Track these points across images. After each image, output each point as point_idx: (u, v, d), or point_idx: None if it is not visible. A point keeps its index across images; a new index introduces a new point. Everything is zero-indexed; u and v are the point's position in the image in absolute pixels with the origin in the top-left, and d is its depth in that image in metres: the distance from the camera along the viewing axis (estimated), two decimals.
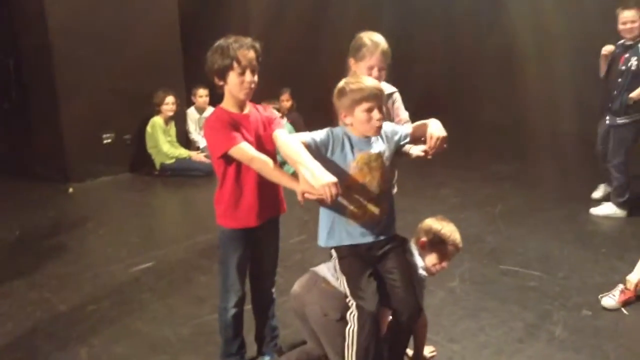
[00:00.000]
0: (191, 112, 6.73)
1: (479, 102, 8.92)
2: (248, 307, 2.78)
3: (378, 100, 2.35)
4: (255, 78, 2.42)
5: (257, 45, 2.43)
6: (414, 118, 2.87)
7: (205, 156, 6.34)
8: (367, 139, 2.40)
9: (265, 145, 2.49)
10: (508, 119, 8.39)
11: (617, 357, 2.92)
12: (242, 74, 2.37)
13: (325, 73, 6.70)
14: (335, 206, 2.35)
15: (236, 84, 2.39)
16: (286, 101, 6.91)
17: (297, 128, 6.02)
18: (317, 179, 2.15)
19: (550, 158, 6.91)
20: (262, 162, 2.36)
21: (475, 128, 8.32)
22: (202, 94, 6.65)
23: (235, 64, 2.35)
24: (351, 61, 2.87)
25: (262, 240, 2.65)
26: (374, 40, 2.80)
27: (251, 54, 2.39)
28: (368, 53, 2.78)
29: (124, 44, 5.98)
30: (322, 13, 7.77)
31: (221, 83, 2.43)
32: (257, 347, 2.87)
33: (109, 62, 5.90)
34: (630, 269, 3.76)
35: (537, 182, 5.93)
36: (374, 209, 2.41)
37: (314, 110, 5.98)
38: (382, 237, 2.46)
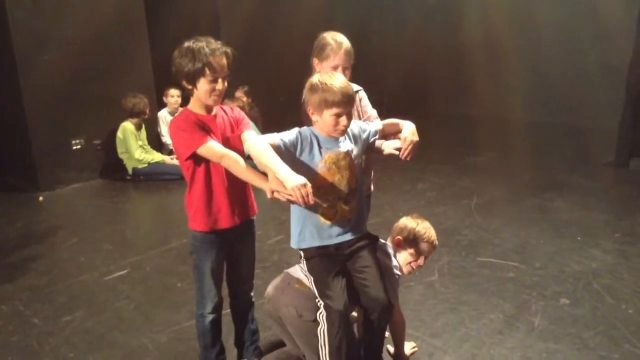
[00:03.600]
0: (163, 114, 6.62)
1: (450, 96, 8.99)
2: (227, 311, 2.73)
3: (348, 107, 2.31)
4: (226, 85, 2.37)
5: (229, 51, 2.36)
6: (388, 115, 2.86)
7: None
8: (335, 138, 2.38)
9: (234, 146, 2.43)
10: (480, 112, 8.46)
11: (595, 344, 2.94)
12: (214, 81, 2.31)
13: (283, 71, 6.71)
14: (306, 206, 2.32)
15: (206, 91, 2.32)
16: (243, 98, 6.59)
17: (257, 125, 5.92)
18: (287, 181, 2.12)
19: (523, 149, 6.98)
20: (232, 159, 2.31)
21: (448, 122, 8.37)
22: (173, 94, 6.55)
23: (207, 71, 2.27)
24: (315, 61, 2.84)
25: (237, 243, 2.60)
26: (337, 40, 2.79)
27: (223, 60, 2.32)
28: (332, 53, 2.76)
29: (90, 47, 5.85)
30: (290, 9, 7.71)
31: (189, 87, 2.36)
32: (237, 352, 2.82)
33: (75, 66, 5.78)
34: (605, 257, 3.83)
35: (511, 174, 5.98)
36: (344, 208, 2.39)
37: (269, 109, 5.96)
38: (352, 236, 2.44)
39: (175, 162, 6.17)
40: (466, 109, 8.68)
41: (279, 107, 5.94)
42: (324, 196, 2.35)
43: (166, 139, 6.64)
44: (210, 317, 2.57)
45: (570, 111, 7.54)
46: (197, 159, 2.37)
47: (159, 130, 6.63)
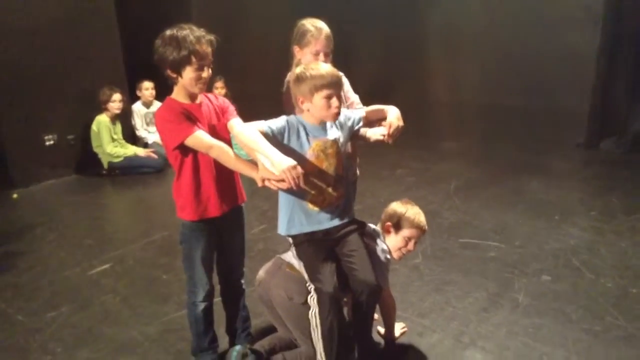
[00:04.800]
0: (137, 107, 6.53)
1: (424, 81, 9.05)
2: (217, 299, 2.74)
3: (337, 88, 2.35)
4: (210, 72, 2.36)
5: (214, 39, 2.35)
6: (364, 101, 2.89)
7: (153, 152, 6.20)
8: (322, 126, 2.39)
9: (220, 134, 2.42)
10: (452, 98, 8.54)
11: (578, 318, 3.03)
12: (200, 69, 2.29)
13: (266, 61, 6.69)
14: (295, 192, 2.34)
15: (192, 79, 2.30)
16: (220, 89, 6.62)
17: None
18: (277, 164, 2.14)
19: (496, 133, 7.08)
20: (220, 149, 2.31)
21: (423, 108, 8.43)
22: (147, 87, 6.46)
23: (193, 59, 2.26)
24: (296, 49, 2.85)
25: (226, 230, 2.59)
26: (316, 26, 2.80)
27: (208, 48, 2.31)
28: (312, 39, 2.78)
29: (58, 40, 5.71)
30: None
31: (174, 76, 2.33)
32: (228, 340, 2.83)
33: (45, 61, 5.64)
34: (582, 234, 3.94)
35: (487, 157, 6.09)
36: (332, 194, 2.42)
37: (259, 97, 5.94)
38: (340, 222, 2.47)
39: (151, 154, 6.13)
40: (439, 96, 8.75)
41: (254, 98, 5.92)
42: (313, 183, 2.37)
43: (141, 132, 6.56)
44: (202, 306, 2.57)
45: (540, 94, 7.64)
46: (185, 149, 2.35)
47: (132, 123, 6.54)
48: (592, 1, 6.45)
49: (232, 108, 2.52)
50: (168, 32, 2.30)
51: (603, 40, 5.93)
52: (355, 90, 2.99)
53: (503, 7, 8.03)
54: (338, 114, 2.37)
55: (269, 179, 2.19)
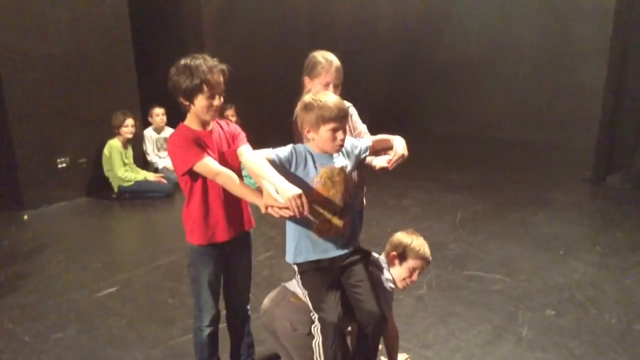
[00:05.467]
0: (149, 132, 6.64)
1: (431, 114, 9.16)
2: (223, 325, 2.76)
3: (344, 121, 2.40)
4: (222, 100, 2.43)
5: (226, 68, 2.43)
6: (371, 132, 2.96)
7: (163, 177, 6.28)
8: (329, 154, 2.44)
9: (229, 161, 2.49)
10: (460, 130, 8.63)
11: (581, 353, 3.03)
12: (211, 97, 2.37)
13: (276, 90, 6.80)
14: (300, 220, 2.38)
15: (204, 107, 2.38)
16: (231, 116, 6.60)
17: None
18: (282, 192, 2.19)
19: (503, 166, 7.13)
20: (227, 177, 2.37)
21: (428, 139, 8.52)
22: (158, 113, 6.58)
23: (205, 87, 2.34)
24: (306, 79, 2.93)
25: (233, 255, 2.64)
26: (327, 58, 2.89)
27: (220, 77, 2.39)
28: (323, 71, 2.86)
29: (75, 66, 5.86)
30: (274, 28, 7.83)
31: (187, 103, 2.42)
32: None
33: (60, 85, 5.78)
34: (587, 269, 3.94)
35: (493, 189, 6.11)
36: (338, 223, 2.44)
37: (269, 124, 6.03)
38: (346, 250, 2.49)
39: (161, 179, 6.22)
40: (446, 128, 8.85)
41: (265, 126, 6.01)
42: (319, 211, 2.40)
43: (151, 157, 6.65)
44: (207, 330, 2.61)
45: (547, 129, 7.74)
46: (194, 174, 2.42)
47: (144, 148, 6.64)
48: (600, 33, 6.56)
49: (242, 135, 2.59)
50: (182, 62, 2.39)
51: (610, 76, 5.98)
52: (362, 121, 3.06)
53: (509, 43, 8.18)
54: (341, 146, 2.42)
55: (272, 206, 2.22)
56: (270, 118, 5.93)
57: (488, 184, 6.34)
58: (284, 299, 2.64)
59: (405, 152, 2.63)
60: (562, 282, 3.86)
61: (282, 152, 2.40)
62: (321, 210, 2.41)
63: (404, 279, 2.72)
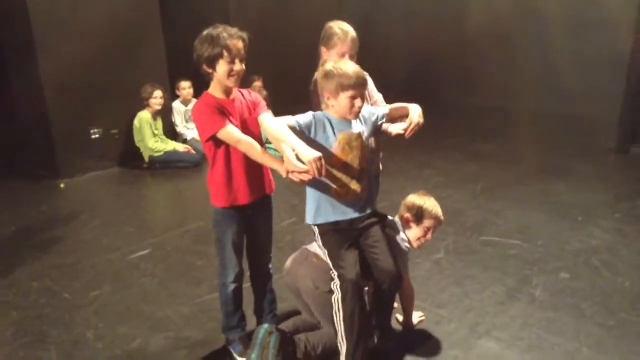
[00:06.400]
0: (177, 105, 6.83)
1: (455, 85, 9.14)
2: (247, 284, 2.94)
3: (362, 89, 2.51)
4: (243, 66, 2.56)
5: (245, 35, 2.55)
6: (394, 100, 3.05)
7: (191, 148, 6.49)
8: (347, 120, 2.55)
9: (251, 128, 2.62)
10: (485, 101, 8.61)
11: (592, 313, 3.13)
12: (232, 62, 2.49)
13: (294, 62, 6.90)
14: (320, 185, 2.51)
15: (225, 72, 2.51)
16: (259, 88, 6.82)
17: None
18: (303, 155, 2.31)
19: (527, 137, 7.14)
20: (248, 144, 2.50)
21: (453, 111, 8.53)
22: (185, 86, 6.77)
23: (225, 53, 2.47)
24: (322, 49, 3.03)
25: (255, 217, 2.79)
26: (343, 28, 2.97)
27: (240, 43, 2.51)
28: (339, 41, 2.95)
29: (106, 39, 6.04)
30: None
31: (210, 71, 2.54)
32: (256, 320, 3.03)
33: (93, 58, 5.97)
34: (604, 235, 4.01)
35: (515, 160, 6.15)
36: (356, 186, 2.56)
37: (294, 95, 6.15)
38: (363, 213, 2.62)
39: (190, 149, 6.42)
40: (471, 99, 8.83)
41: (291, 96, 6.13)
42: (337, 175, 2.53)
43: (180, 128, 6.85)
44: (232, 286, 2.78)
45: (573, 100, 7.68)
46: (218, 141, 2.55)
47: (173, 120, 6.84)
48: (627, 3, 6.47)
49: (263, 103, 2.71)
50: (204, 32, 2.53)
51: (635, 46, 5.92)
52: (386, 91, 3.15)
53: (534, 13, 8.09)
54: (359, 112, 2.53)
55: (292, 171, 2.35)
56: (296, 89, 6.03)
57: (511, 154, 6.38)
58: (306, 259, 2.79)
59: (421, 120, 2.71)
60: (578, 248, 3.94)
61: (302, 118, 2.52)
62: (339, 175, 2.53)
63: (419, 238, 2.86)
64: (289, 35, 7.64)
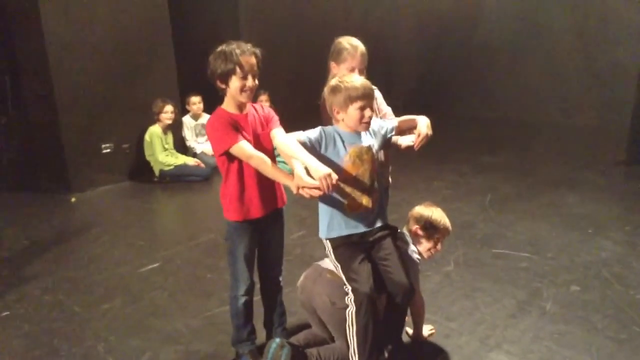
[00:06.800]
0: (187, 119, 6.89)
1: (464, 97, 9.16)
2: (257, 297, 2.95)
3: (370, 99, 2.53)
4: (256, 82, 2.59)
5: (258, 51, 2.59)
6: (404, 113, 3.07)
7: (201, 162, 6.53)
8: (357, 133, 2.57)
9: (263, 143, 2.66)
10: (493, 113, 8.62)
11: (604, 326, 3.11)
12: (244, 78, 2.53)
13: (303, 77, 6.97)
14: (331, 199, 2.53)
15: (238, 88, 2.55)
16: (265, 102, 6.76)
17: None
18: (314, 171, 2.33)
19: (536, 148, 7.13)
20: (260, 160, 2.53)
21: (462, 123, 8.54)
22: (195, 102, 6.82)
23: (237, 69, 2.50)
24: (332, 65, 3.06)
25: (267, 230, 2.81)
26: (352, 43, 3.01)
27: (252, 59, 2.55)
28: (349, 56, 2.98)
29: (118, 55, 6.14)
30: (308, 15, 7.96)
31: (223, 87, 2.59)
32: (266, 333, 3.04)
33: (105, 74, 6.06)
34: (615, 247, 3.99)
35: (525, 172, 6.14)
36: (366, 200, 2.58)
37: (302, 110, 6.19)
38: (375, 226, 2.64)
39: (200, 163, 6.47)
40: (480, 111, 8.84)
41: (298, 111, 6.18)
42: (348, 189, 2.55)
43: (190, 143, 6.90)
44: (243, 299, 2.79)
45: (581, 111, 7.68)
46: (231, 156, 2.59)
47: (183, 134, 6.89)
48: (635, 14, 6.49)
49: (275, 118, 2.75)
50: (219, 48, 2.57)
51: None
52: (396, 104, 3.17)
53: (543, 25, 8.11)
54: (369, 124, 2.56)
55: (303, 187, 2.36)
56: (304, 103, 6.08)
57: (520, 166, 6.37)
58: (320, 276, 2.79)
59: (430, 132, 2.73)
60: (589, 260, 3.92)
61: (312, 133, 2.55)
62: (350, 189, 2.55)
63: (429, 250, 2.87)
64: (298, 50, 7.72)
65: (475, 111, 8.88)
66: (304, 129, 2.58)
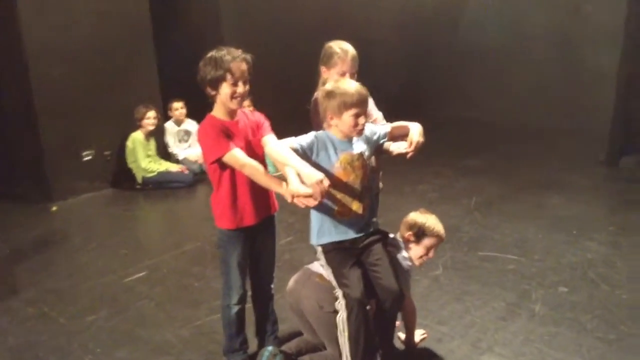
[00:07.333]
0: (169, 125, 6.81)
1: (447, 101, 9.21)
2: (248, 305, 2.91)
3: (365, 106, 2.52)
4: (247, 88, 2.56)
5: (249, 57, 2.56)
6: (388, 118, 3.08)
7: (185, 168, 6.46)
8: (349, 140, 2.56)
9: (255, 149, 2.63)
10: (475, 116, 8.67)
11: (593, 327, 3.14)
12: (235, 84, 2.50)
13: (289, 81, 6.93)
14: (322, 206, 2.51)
15: (228, 95, 2.51)
16: (247, 107, 6.76)
17: None
18: (306, 177, 2.32)
19: (518, 151, 7.19)
20: (252, 168, 2.50)
21: (445, 126, 8.57)
22: (177, 107, 6.74)
23: (228, 76, 2.47)
24: (323, 69, 3.06)
25: (259, 238, 2.78)
26: (343, 48, 3.01)
27: (243, 65, 2.51)
28: (339, 60, 2.98)
29: (98, 61, 6.04)
30: (291, 20, 7.94)
31: (213, 93, 2.55)
32: (257, 342, 3.01)
33: (85, 79, 5.95)
34: (600, 248, 4.04)
35: (508, 174, 6.19)
36: (357, 206, 2.57)
37: (286, 115, 6.17)
38: (365, 231, 2.63)
39: (183, 169, 6.40)
40: (462, 115, 8.89)
41: (281, 116, 6.16)
42: (339, 195, 2.54)
43: (172, 149, 6.82)
44: (236, 308, 2.76)
45: (562, 114, 7.77)
46: (223, 164, 2.55)
47: (165, 141, 6.81)
48: (613, 18, 6.59)
49: (267, 124, 2.71)
50: (209, 54, 2.54)
51: (623, 59, 6.03)
52: (379, 108, 3.17)
53: (523, 29, 8.20)
54: (363, 130, 2.55)
55: (297, 196, 2.33)
56: (286, 109, 6.06)
57: (503, 169, 6.42)
58: (308, 279, 2.79)
59: (421, 139, 2.72)
60: (575, 261, 3.96)
61: (304, 140, 2.53)
62: (341, 195, 2.54)
63: (421, 257, 2.86)
64: (281, 54, 7.68)
65: (457, 114, 8.93)
66: (287, 134, 2.56)
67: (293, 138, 2.52)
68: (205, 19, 7.33)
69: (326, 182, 2.32)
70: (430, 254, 2.87)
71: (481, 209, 5.09)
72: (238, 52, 2.52)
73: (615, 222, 4.67)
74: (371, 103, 3.13)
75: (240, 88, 2.52)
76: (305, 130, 2.64)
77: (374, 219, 2.75)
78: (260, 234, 2.76)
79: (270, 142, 2.58)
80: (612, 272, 3.77)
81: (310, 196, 2.30)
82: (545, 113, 8.00)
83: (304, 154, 2.49)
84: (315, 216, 2.62)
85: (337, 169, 2.53)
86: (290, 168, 2.38)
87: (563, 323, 3.19)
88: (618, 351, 2.92)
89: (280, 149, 2.47)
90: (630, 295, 3.46)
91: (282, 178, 2.44)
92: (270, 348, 2.65)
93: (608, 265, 3.88)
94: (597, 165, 6.29)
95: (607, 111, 6.32)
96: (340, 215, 2.57)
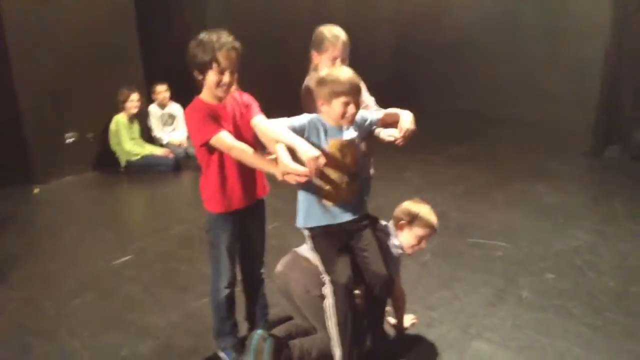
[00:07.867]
0: (153, 108, 6.71)
1: (433, 91, 9.22)
2: (239, 289, 2.89)
3: (356, 95, 2.48)
4: (234, 77, 2.50)
5: (238, 45, 2.48)
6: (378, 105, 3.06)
7: (169, 151, 6.39)
8: (340, 127, 2.54)
9: (243, 132, 2.58)
10: (462, 106, 8.70)
11: (580, 313, 3.19)
12: (221, 73, 2.44)
13: (277, 66, 6.86)
14: (311, 188, 2.50)
15: (214, 82, 2.45)
16: (234, 90, 6.74)
17: None
18: (303, 153, 2.29)
19: (504, 140, 7.23)
20: (240, 150, 2.46)
21: (432, 116, 8.57)
22: (160, 90, 6.65)
23: (214, 64, 2.41)
24: (314, 54, 3.02)
25: (249, 221, 2.76)
26: (334, 33, 2.97)
27: (232, 54, 2.44)
28: (330, 45, 2.95)
29: (82, 44, 5.92)
30: (278, 7, 7.86)
31: (200, 77, 2.50)
32: (248, 326, 2.99)
33: (67, 62, 5.84)
34: (586, 236, 4.09)
35: (494, 162, 6.23)
36: (346, 191, 2.55)
37: (275, 102, 6.13)
38: (354, 216, 2.61)
39: (168, 153, 6.32)
40: (448, 104, 8.90)
41: (269, 104, 6.11)
42: (328, 178, 2.52)
43: (156, 132, 6.73)
44: (225, 292, 2.74)
45: (547, 104, 7.82)
46: (211, 147, 2.51)
47: (149, 124, 6.71)
48: (599, 10, 6.64)
49: (255, 105, 2.66)
50: (200, 36, 2.46)
51: (608, 50, 6.08)
52: (372, 95, 3.15)
53: (508, 20, 8.22)
54: (353, 119, 2.52)
55: (288, 173, 2.32)
56: (277, 93, 6.02)
57: (489, 157, 6.45)
58: (296, 263, 2.78)
59: (412, 127, 2.70)
60: (561, 249, 4.00)
61: (298, 121, 2.49)
62: (331, 178, 2.52)
63: (413, 246, 2.85)
64: (269, 40, 7.61)
65: (446, 106, 8.93)
66: (277, 116, 2.52)
67: (285, 118, 2.49)
68: (190, 2, 7.22)
69: (322, 160, 2.30)
70: (422, 244, 2.87)
71: (468, 196, 5.12)
72: (229, 39, 2.45)
73: (599, 211, 4.73)
74: (363, 89, 3.11)
75: (227, 77, 2.45)
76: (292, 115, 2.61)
77: (364, 205, 2.74)
78: (249, 217, 2.73)
79: (262, 122, 2.54)
80: (598, 260, 3.82)
81: (303, 174, 2.27)
82: (531, 103, 8.04)
83: (296, 134, 2.46)
84: (302, 199, 2.60)
85: (326, 153, 2.51)
86: (281, 145, 2.34)
87: (550, 309, 3.23)
88: (604, 337, 2.97)
89: (273, 126, 2.45)
90: (615, 283, 3.51)
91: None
92: (260, 331, 2.64)
93: (594, 253, 3.93)
94: (582, 155, 6.35)
95: (592, 102, 6.38)
96: (328, 198, 2.54)
